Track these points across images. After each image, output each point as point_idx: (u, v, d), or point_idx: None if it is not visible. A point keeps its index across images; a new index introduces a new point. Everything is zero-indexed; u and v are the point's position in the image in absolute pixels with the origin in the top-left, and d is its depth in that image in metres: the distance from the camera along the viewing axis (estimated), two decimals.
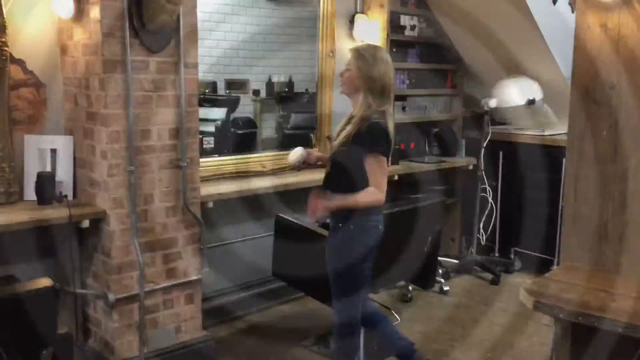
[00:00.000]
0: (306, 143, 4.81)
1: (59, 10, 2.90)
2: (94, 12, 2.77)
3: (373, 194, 2.56)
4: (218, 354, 3.32)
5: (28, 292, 1.85)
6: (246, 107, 5.37)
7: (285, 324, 3.88)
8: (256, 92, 5.47)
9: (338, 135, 2.70)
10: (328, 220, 2.83)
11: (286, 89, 5.58)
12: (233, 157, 3.99)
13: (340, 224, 2.67)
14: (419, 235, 3.30)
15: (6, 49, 2.86)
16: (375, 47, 2.75)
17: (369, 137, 2.54)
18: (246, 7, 5.35)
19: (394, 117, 2.69)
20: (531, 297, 2.12)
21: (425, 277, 3.45)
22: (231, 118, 4.70)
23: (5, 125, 2.90)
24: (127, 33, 2.79)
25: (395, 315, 3.56)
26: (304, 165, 2.93)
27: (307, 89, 5.39)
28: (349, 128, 2.60)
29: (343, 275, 2.68)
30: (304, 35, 5.49)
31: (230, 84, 5.47)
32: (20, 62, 2.99)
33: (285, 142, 4.99)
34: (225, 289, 3.88)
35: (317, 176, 3.97)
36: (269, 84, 5.58)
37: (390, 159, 2.67)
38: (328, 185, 2.73)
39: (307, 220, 3.85)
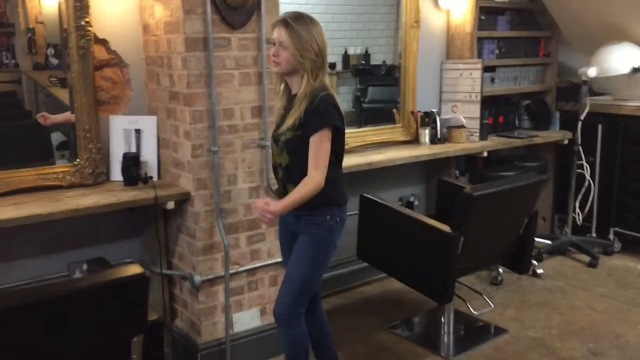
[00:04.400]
0: (388, 118, 4.65)
1: None
2: None
3: (312, 179, 2.30)
4: None
5: (119, 279, 1.81)
6: None
7: (370, 306, 3.77)
8: (332, 65, 5.32)
9: (282, 119, 2.41)
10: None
11: (363, 62, 5.41)
12: None
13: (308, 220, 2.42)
14: (514, 216, 3.08)
15: (90, 29, 2.84)
16: (306, 16, 2.34)
17: (320, 112, 2.27)
18: None
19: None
20: None
21: (520, 261, 3.23)
22: None
23: (91, 106, 2.90)
24: (209, 9, 2.70)
25: (488, 300, 3.36)
26: None
27: (384, 61, 5.21)
28: (296, 109, 2.30)
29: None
30: (380, 6, 5.29)
31: None
32: (103, 42, 2.97)
33: (364, 117, 4.84)
34: None
35: (401, 153, 3.81)
36: (345, 57, 5.41)
37: (345, 134, 2.42)
38: (290, 177, 2.40)
39: (389, 199, 3.73)
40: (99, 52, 2.95)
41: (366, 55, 5.39)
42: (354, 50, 5.44)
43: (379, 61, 5.30)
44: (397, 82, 4.87)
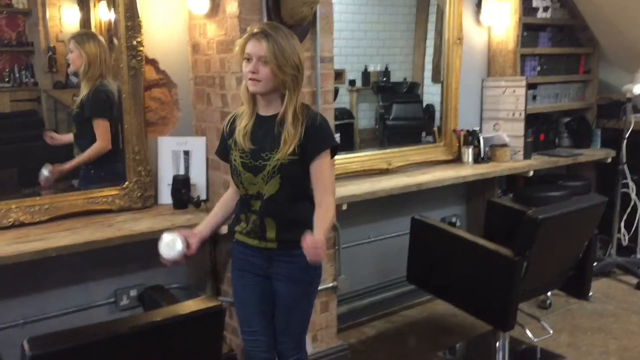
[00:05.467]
0: (413, 135, 4.57)
1: (194, 7, 2.78)
2: (231, 7, 2.62)
3: (330, 206, 2.10)
4: None
5: (197, 312, 1.71)
6: (342, 98, 5.20)
7: (416, 331, 3.65)
8: (351, 82, 5.28)
9: (254, 142, 2.09)
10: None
11: (383, 79, 5.35)
12: (358, 154, 3.80)
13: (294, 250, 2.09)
14: (577, 240, 2.97)
15: (141, 49, 2.78)
16: (283, 27, 2.09)
17: (325, 132, 2.11)
18: None
19: None
20: None
21: (580, 285, 3.12)
22: None
23: (141, 127, 2.83)
24: None
25: (546, 326, 3.23)
26: (186, 259, 2.15)
27: (405, 78, 5.16)
28: (290, 132, 2.03)
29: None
30: (400, 23, 5.24)
31: None
32: (153, 62, 2.91)
33: (388, 134, 4.80)
34: (352, 293, 3.69)
35: (447, 173, 3.71)
36: (365, 74, 5.36)
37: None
38: (271, 210, 2.11)
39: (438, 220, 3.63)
40: (148, 73, 2.89)
41: (386, 72, 5.34)
42: (374, 67, 5.38)
43: (399, 78, 5.24)
44: (419, 99, 4.81)
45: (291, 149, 2.04)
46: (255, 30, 2.03)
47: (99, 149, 2.82)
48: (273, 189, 2.09)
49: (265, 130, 2.09)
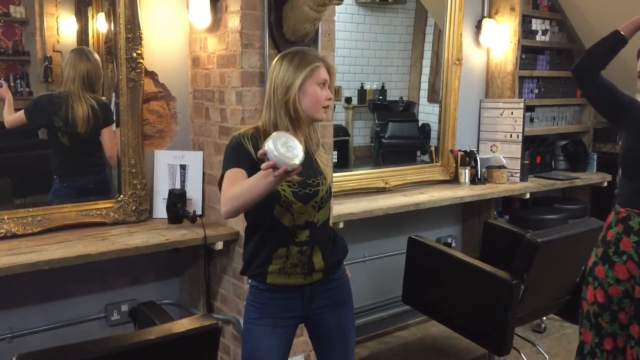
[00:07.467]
0: (408, 154, 4.58)
1: (196, 21, 2.76)
2: (233, 22, 2.61)
3: None
4: None
5: (191, 330, 1.67)
6: (337, 115, 5.22)
7: (410, 353, 3.61)
8: (348, 100, 5.30)
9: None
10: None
11: (380, 97, 5.38)
12: (355, 172, 3.78)
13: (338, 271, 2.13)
14: (574, 263, 2.95)
15: (141, 61, 2.75)
16: None
17: None
18: (339, 13, 5.19)
19: None
20: None
21: (576, 310, 3.07)
22: None
23: (138, 140, 2.80)
24: (267, 43, 2.62)
25: (542, 350, 3.21)
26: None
27: (401, 97, 5.18)
28: (325, 156, 2.10)
29: None
30: (397, 43, 5.27)
31: None
32: (152, 75, 2.89)
33: (384, 152, 4.80)
34: None
35: (444, 194, 3.70)
36: (361, 92, 5.38)
37: None
38: (321, 236, 2.03)
39: (433, 240, 3.61)
40: (147, 85, 2.86)
41: (382, 91, 5.37)
42: (370, 85, 5.41)
43: (395, 97, 5.27)
44: (415, 118, 4.83)
45: (331, 172, 2.05)
46: (320, 55, 2.08)
47: None
48: (325, 214, 2.04)
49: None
